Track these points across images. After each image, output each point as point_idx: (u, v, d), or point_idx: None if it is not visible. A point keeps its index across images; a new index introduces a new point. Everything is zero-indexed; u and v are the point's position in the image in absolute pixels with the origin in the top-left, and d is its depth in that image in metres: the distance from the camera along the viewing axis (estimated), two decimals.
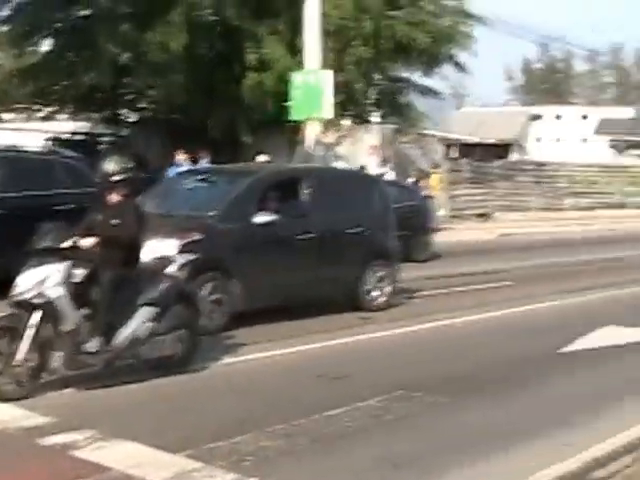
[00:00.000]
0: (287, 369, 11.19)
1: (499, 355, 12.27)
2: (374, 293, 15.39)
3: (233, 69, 28.64)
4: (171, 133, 28.41)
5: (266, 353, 11.68)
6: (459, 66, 33.27)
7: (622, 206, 48.85)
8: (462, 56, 32.61)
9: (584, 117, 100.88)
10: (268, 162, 28.12)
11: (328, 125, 26.69)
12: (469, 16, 32.41)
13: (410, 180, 31.57)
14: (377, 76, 31.55)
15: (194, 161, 24.62)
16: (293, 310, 14.09)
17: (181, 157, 24.41)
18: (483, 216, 36.65)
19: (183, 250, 12.22)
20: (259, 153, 23.78)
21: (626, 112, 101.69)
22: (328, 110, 23.31)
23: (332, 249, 14.76)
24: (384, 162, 30.38)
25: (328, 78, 23.12)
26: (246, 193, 14.20)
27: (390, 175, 27.78)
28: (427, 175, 33.00)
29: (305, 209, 14.69)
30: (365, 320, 14.45)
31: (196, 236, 12.94)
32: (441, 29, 31.04)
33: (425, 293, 17.42)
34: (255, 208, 13.83)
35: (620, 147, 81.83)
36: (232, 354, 11.49)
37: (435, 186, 32.62)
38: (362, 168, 28.79)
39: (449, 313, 15.06)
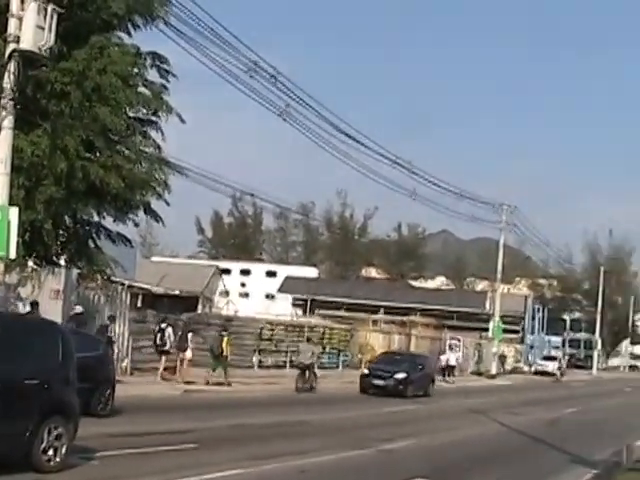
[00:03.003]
0: None
1: None
2: (50, 452, 13.98)
3: None
4: None
5: None
6: (152, 214, 32.76)
7: None
8: (155, 204, 32.20)
9: (271, 274, 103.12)
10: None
11: (11, 265, 25.11)
12: (166, 164, 32.13)
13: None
14: (67, 218, 30.41)
15: None
16: None
17: None
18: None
19: None
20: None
21: (311, 272, 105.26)
22: (12, 249, 21.85)
23: (3, 401, 13.24)
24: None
25: (14, 215, 21.77)
26: None
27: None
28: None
29: None
30: None
31: None
32: (136, 175, 30.52)
33: (104, 454, 16.20)
34: None
35: (304, 305, 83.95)
36: None
37: None
38: (33, 305, 27.31)
39: None
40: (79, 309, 30.31)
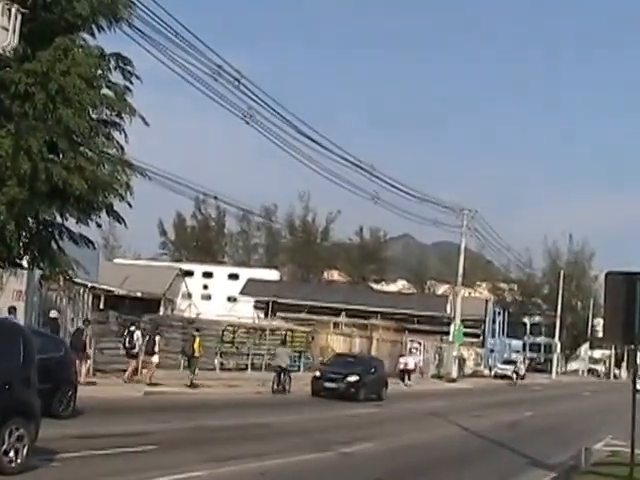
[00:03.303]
0: None
1: None
2: (11, 454, 13.95)
3: None
4: None
5: None
6: (115, 216, 32.72)
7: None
8: (118, 206, 32.19)
9: (234, 276, 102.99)
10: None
11: None
12: (129, 166, 32.12)
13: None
14: (30, 219, 30.33)
15: None
16: None
17: None
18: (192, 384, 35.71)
19: None
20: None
21: (273, 274, 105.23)
22: None
23: None
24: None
25: None
26: None
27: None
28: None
29: None
30: None
31: None
32: (99, 177, 30.50)
33: (66, 455, 16.17)
34: None
35: (266, 308, 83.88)
36: None
37: None
38: (11, 310, 27.34)
39: None
40: (54, 314, 30.36)
